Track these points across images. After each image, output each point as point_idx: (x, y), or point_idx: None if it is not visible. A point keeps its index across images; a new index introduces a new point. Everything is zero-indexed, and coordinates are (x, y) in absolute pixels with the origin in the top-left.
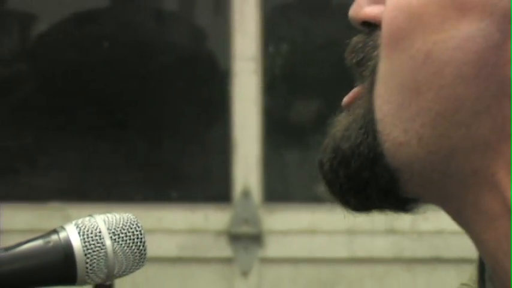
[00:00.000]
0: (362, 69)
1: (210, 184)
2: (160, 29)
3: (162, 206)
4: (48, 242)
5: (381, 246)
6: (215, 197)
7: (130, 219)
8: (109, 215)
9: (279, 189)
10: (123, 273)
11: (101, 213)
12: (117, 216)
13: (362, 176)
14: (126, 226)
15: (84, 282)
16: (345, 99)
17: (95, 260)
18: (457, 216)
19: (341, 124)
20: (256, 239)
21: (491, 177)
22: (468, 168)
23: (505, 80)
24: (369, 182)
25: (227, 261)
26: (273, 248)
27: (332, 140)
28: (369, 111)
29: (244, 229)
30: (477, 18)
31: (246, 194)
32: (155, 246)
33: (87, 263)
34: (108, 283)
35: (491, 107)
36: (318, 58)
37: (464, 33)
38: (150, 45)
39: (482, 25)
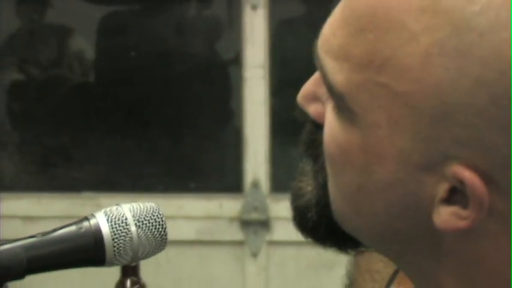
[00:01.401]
0: (316, 159)
1: (224, 176)
2: (180, 41)
3: (182, 196)
4: (81, 227)
5: None
6: (228, 188)
7: (153, 208)
8: (134, 204)
9: (285, 180)
10: (146, 256)
11: (127, 202)
12: (141, 205)
13: (327, 238)
14: (149, 214)
15: (112, 264)
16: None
17: (121, 244)
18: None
19: (304, 189)
20: (264, 224)
21: (435, 276)
22: (415, 267)
23: (428, 220)
24: (334, 240)
25: (239, 244)
26: (279, 232)
27: (296, 202)
28: (323, 200)
29: (254, 216)
30: (393, 167)
31: (256, 185)
32: (175, 231)
33: (114, 246)
34: (133, 264)
35: (422, 235)
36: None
37: (385, 179)
38: (171, 54)
39: (399, 174)
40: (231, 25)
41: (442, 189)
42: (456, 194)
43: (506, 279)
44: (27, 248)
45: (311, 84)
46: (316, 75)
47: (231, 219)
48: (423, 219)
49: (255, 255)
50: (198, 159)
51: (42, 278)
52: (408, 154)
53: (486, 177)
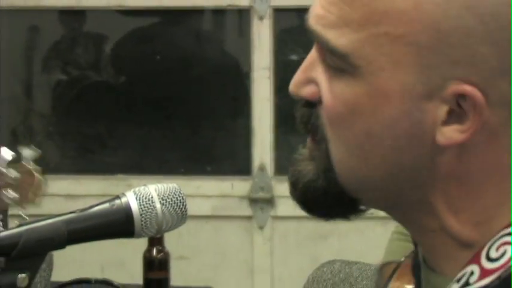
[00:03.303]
0: (314, 134)
1: (235, 161)
2: (198, 46)
3: (199, 178)
4: (113, 205)
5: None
6: (239, 171)
7: (175, 188)
8: (159, 185)
9: (287, 165)
10: (169, 229)
11: (153, 183)
12: (165, 185)
13: (331, 210)
14: (171, 193)
15: (140, 236)
16: (308, 143)
17: (148, 219)
18: (404, 224)
19: (306, 170)
20: (269, 202)
21: (430, 206)
22: (413, 201)
23: (431, 143)
24: (337, 211)
25: (248, 218)
26: (282, 208)
27: (299, 184)
28: (328, 167)
29: (261, 194)
30: (399, 102)
31: (262, 168)
32: (194, 208)
33: (142, 221)
34: (158, 236)
35: (424, 162)
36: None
37: (392, 116)
38: (190, 59)
39: (404, 107)
40: (241, 33)
41: (442, 112)
42: (453, 115)
43: (490, 197)
44: (68, 222)
45: (301, 73)
46: (303, 65)
47: (241, 198)
48: (427, 144)
49: (261, 228)
50: (213, 146)
51: (81, 247)
52: (411, 86)
53: (481, 90)
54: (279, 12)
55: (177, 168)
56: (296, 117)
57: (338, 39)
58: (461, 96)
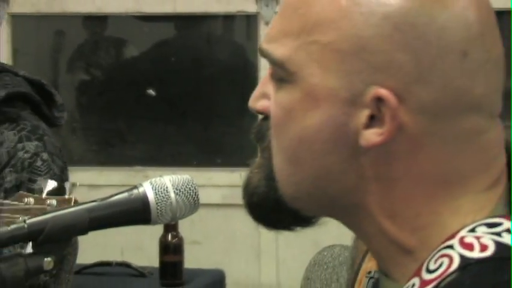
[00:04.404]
0: (261, 143)
1: (243, 154)
2: (209, 49)
3: (211, 169)
4: (131, 194)
5: None
6: (247, 163)
7: (188, 179)
8: (173, 176)
9: None
10: (183, 216)
11: (168, 174)
12: (179, 176)
13: (271, 217)
14: (185, 183)
15: (156, 222)
16: (258, 154)
17: (163, 207)
18: (350, 229)
19: (254, 176)
20: None
21: (364, 209)
22: (347, 205)
23: (355, 146)
24: (277, 218)
25: None
26: None
27: (247, 188)
28: (270, 175)
29: None
30: (326, 107)
31: None
32: (205, 197)
33: (157, 209)
34: (173, 223)
35: (350, 164)
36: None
37: (320, 119)
38: (203, 60)
39: (331, 111)
40: (248, 37)
41: (364, 116)
42: (374, 120)
43: (422, 204)
44: (90, 210)
45: (258, 88)
46: (261, 82)
47: None
48: (351, 145)
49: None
50: (223, 140)
51: (103, 232)
52: (337, 91)
53: (397, 95)
54: None
55: (190, 161)
56: (252, 129)
57: (277, 49)
58: (380, 100)
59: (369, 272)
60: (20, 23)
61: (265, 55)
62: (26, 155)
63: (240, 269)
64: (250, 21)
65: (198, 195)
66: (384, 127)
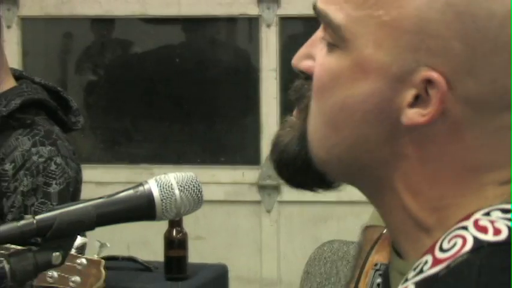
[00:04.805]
0: (300, 103)
1: (245, 152)
2: (212, 51)
3: (214, 167)
4: (137, 191)
5: (358, 193)
6: (249, 161)
7: (192, 176)
8: (178, 173)
9: None
10: (187, 212)
11: (173, 172)
12: (183, 174)
13: (298, 176)
14: (189, 180)
15: (161, 218)
16: (294, 113)
17: (168, 204)
18: (370, 200)
19: (286, 135)
20: (276, 188)
21: (390, 183)
22: (374, 176)
23: (396, 122)
24: (303, 178)
25: (257, 203)
26: (287, 194)
27: (278, 146)
28: (303, 135)
29: (268, 182)
30: (375, 79)
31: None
32: (209, 194)
33: (162, 205)
34: (177, 218)
35: (388, 138)
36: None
37: (367, 90)
38: (206, 61)
39: (378, 85)
40: (251, 39)
41: (410, 94)
42: (419, 100)
43: (448, 186)
44: (97, 206)
45: (304, 48)
46: (307, 42)
47: (251, 185)
48: (392, 122)
49: (269, 211)
50: (226, 139)
51: (110, 228)
52: (388, 66)
53: (447, 80)
54: (284, 20)
55: (194, 159)
56: (291, 87)
57: (336, 12)
58: (429, 82)
59: (376, 265)
60: (29, 25)
61: (322, 15)
62: (40, 159)
63: (242, 264)
64: (252, 23)
65: (201, 192)
66: (428, 109)
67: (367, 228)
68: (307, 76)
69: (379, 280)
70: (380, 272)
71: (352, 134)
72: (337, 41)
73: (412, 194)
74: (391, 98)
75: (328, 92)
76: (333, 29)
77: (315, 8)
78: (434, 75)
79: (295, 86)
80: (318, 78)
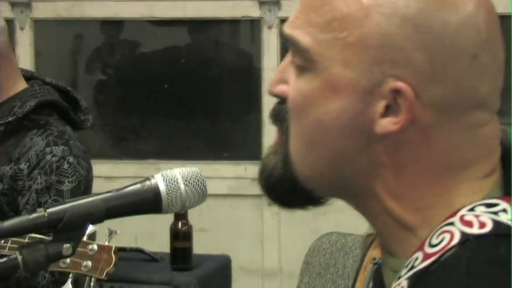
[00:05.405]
0: (280, 127)
1: (248, 148)
2: (216, 51)
3: (218, 162)
4: (144, 185)
5: None
6: (251, 156)
7: (196, 171)
8: (183, 168)
9: None
10: (192, 206)
11: (178, 167)
12: (188, 169)
13: (287, 197)
14: (194, 175)
15: (167, 212)
16: (275, 139)
17: (173, 197)
18: (356, 209)
19: (270, 161)
20: None
21: (372, 191)
22: (356, 187)
23: (370, 133)
24: (292, 198)
25: (258, 196)
26: None
27: (264, 172)
28: (286, 157)
29: None
30: (346, 95)
31: None
32: (213, 188)
33: (168, 199)
34: (183, 212)
35: (364, 149)
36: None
37: (339, 107)
38: (210, 61)
39: (350, 100)
40: (253, 40)
41: (381, 105)
42: (390, 110)
43: (427, 187)
44: (106, 200)
45: (277, 74)
46: (279, 68)
47: (253, 179)
48: (366, 133)
49: (270, 204)
50: (229, 136)
51: (118, 220)
52: (357, 81)
53: (413, 89)
54: (285, 22)
55: (198, 154)
56: (269, 112)
57: (303, 36)
58: (397, 92)
59: (374, 259)
60: (41, 27)
61: (290, 40)
62: (53, 159)
63: (244, 254)
64: (254, 25)
65: (206, 186)
66: (399, 117)
67: (368, 236)
68: (283, 100)
69: None
70: (377, 266)
71: (331, 149)
72: (306, 64)
73: (394, 198)
74: (363, 111)
75: (303, 113)
76: (301, 52)
77: (282, 33)
78: (401, 85)
79: (273, 110)
80: (292, 101)
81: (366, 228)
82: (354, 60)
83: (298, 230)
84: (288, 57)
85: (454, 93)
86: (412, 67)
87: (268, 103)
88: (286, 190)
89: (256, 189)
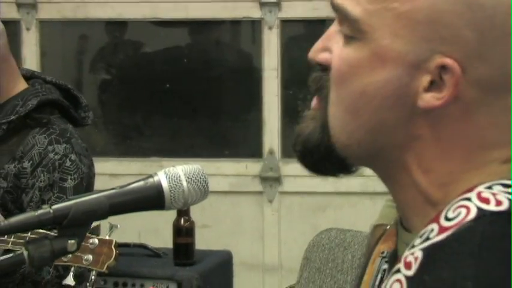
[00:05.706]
0: (319, 93)
1: (249, 146)
2: (218, 51)
3: (219, 160)
4: (147, 182)
5: (354, 184)
6: (252, 154)
7: (199, 168)
8: (185, 166)
9: (292, 149)
10: (194, 202)
11: (181, 164)
12: (190, 166)
13: (321, 163)
14: (196, 172)
15: (170, 208)
16: (313, 104)
17: (176, 194)
18: (383, 180)
19: (308, 126)
20: (277, 180)
21: (404, 163)
22: (390, 158)
23: (412, 106)
24: (326, 164)
25: (259, 193)
26: (288, 185)
27: (301, 137)
28: (325, 123)
29: (270, 174)
30: (393, 67)
31: (271, 152)
32: (215, 185)
33: (171, 196)
34: (185, 208)
35: (405, 122)
36: (317, 68)
37: (385, 78)
38: (212, 61)
39: (396, 72)
40: (253, 40)
41: (426, 80)
42: (434, 85)
43: (456, 163)
44: (109, 197)
45: (320, 42)
46: (323, 36)
47: (254, 176)
48: (409, 106)
49: (270, 201)
50: (231, 134)
51: (121, 216)
52: (405, 55)
53: (460, 66)
54: (285, 23)
55: (200, 152)
56: (309, 78)
57: (353, 6)
58: (443, 68)
59: (382, 252)
60: (47, 28)
61: (339, 9)
62: (56, 157)
63: (245, 250)
64: (255, 26)
65: (207, 183)
66: (442, 92)
67: (375, 227)
68: (324, 68)
69: (385, 266)
70: (386, 259)
71: (372, 118)
72: (355, 33)
73: (424, 172)
74: (407, 84)
75: (348, 81)
76: (350, 22)
77: (332, 3)
78: (448, 61)
79: (313, 77)
80: (337, 69)
81: (364, 224)
82: (403, 34)
83: (298, 226)
84: (334, 26)
85: (499, 73)
86: (460, 44)
87: (268, 102)
88: (322, 156)
89: (257, 186)
